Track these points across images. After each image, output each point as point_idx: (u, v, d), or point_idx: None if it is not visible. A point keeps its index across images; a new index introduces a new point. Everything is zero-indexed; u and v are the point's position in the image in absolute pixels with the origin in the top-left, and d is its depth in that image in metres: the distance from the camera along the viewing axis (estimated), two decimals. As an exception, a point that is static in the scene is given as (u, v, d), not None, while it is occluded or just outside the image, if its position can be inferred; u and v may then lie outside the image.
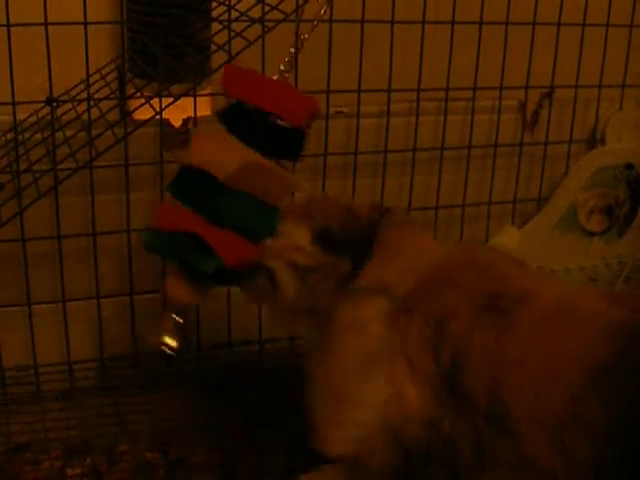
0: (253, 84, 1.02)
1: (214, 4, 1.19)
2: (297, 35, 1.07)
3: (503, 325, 0.88)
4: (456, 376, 0.88)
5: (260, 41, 1.11)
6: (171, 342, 1.01)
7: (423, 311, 0.93)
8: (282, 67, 1.06)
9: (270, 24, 1.08)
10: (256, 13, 1.09)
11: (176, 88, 1.10)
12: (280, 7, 1.07)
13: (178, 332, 1.01)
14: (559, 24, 1.44)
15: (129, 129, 1.10)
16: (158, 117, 1.11)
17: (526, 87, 1.48)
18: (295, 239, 1.00)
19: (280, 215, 1.00)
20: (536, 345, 0.87)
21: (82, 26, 1.16)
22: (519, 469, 0.85)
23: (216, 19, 1.15)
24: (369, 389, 0.94)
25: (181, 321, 1.01)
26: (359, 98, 1.34)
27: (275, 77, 1.07)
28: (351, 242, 0.99)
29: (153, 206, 1.03)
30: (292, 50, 1.07)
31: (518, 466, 0.85)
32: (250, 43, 1.06)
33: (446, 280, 0.95)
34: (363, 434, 0.94)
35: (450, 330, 0.90)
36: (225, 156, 1.00)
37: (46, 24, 1.14)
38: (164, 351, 1.01)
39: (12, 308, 1.29)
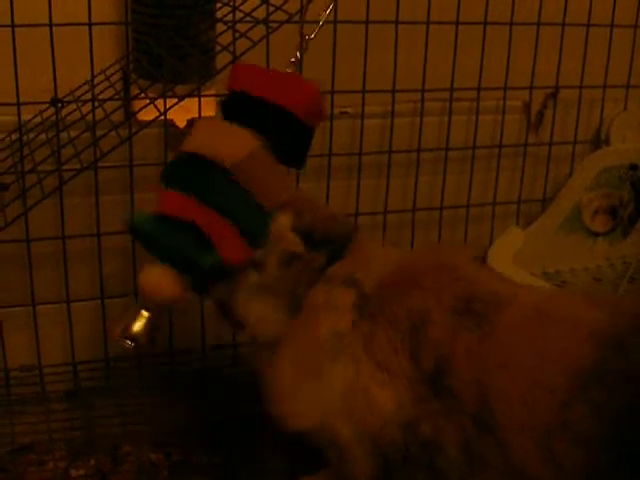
0: (257, 75, 0.99)
1: (218, 5, 1.19)
2: (302, 35, 1.07)
3: (483, 329, 0.88)
4: (441, 380, 0.88)
5: (264, 42, 1.11)
6: (138, 335, 0.94)
7: (389, 315, 0.93)
8: (287, 69, 1.06)
9: (274, 25, 1.08)
10: (261, 14, 1.09)
11: (180, 89, 1.10)
12: (284, 8, 1.07)
13: (146, 327, 0.94)
14: (563, 24, 1.44)
15: (133, 130, 1.10)
16: (162, 118, 1.11)
17: (530, 87, 1.47)
18: (287, 228, 0.99)
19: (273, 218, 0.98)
20: (520, 350, 0.87)
21: (87, 27, 1.16)
22: (508, 475, 0.85)
23: (220, 20, 1.15)
24: (335, 368, 0.94)
25: (150, 315, 0.94)
26: (363, 99, 1.33)
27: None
28: (329, 242, 0.99)
29: (157, 191, 0.95)
30: (297, 51, 1.06)
31: (507, 472, 0.85)
32: (254, 44, 1.06)
33: (411, 282, 0.95)
34: (326, 411, 0.94)
35: (428, 334, 0.90)
36: (232, 141, 0.95)
37: (51, 25, 1.14)
38: (123, 344, 0.94)
39: (17, 308, 1.29)
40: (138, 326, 0.94)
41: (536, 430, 0.83)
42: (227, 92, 1.00)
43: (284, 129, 0.97)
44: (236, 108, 0.98)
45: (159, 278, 0.92)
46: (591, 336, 0.84)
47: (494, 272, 1.03)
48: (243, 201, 0.94)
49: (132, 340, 0.94)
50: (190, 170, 0.94)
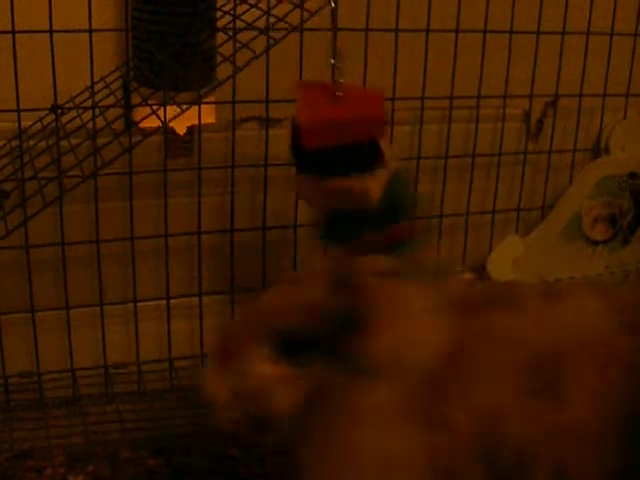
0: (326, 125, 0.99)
1: (219, 14, 1.19)
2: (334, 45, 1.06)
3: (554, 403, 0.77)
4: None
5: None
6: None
7: (462, 404, 0.77)
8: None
9: (276, 35, 1.08)
10: (262, 24, 1.09)
11: (181, 97, 1.10)
12: (286, 19, 1.07)
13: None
14: (563, 33, 1.44)
15: (134, 138, 1.10)
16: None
17: (530, 96, 1.48)
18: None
19: None
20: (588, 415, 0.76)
21: (87, 34, 1.16)
22: None
23: (221, 29, 1.15)
24: None
25: None
26: (363, 106, 1.34)
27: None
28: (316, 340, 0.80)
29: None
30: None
31: None
32: (256, 55, 1.06)
33: (474, 358, 0.79)
34: None
35: (505, 428, 0.77)
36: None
37: (51, 31, 1.14)
38: None
39: (16, 315, 1.29)
40: None
41: None
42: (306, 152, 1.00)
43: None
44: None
45: None
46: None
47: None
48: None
49: None
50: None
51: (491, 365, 0.78)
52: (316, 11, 1.04)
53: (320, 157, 0.99)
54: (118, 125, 1.11)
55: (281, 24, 1.07)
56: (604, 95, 1.53)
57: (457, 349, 0.78)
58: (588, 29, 1.46)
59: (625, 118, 1.57)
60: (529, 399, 0.76)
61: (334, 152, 0.98)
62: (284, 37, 1.07)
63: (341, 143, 0.98)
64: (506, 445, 0.76)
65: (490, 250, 1.52)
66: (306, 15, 1.06)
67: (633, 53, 1.53)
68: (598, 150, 1.59)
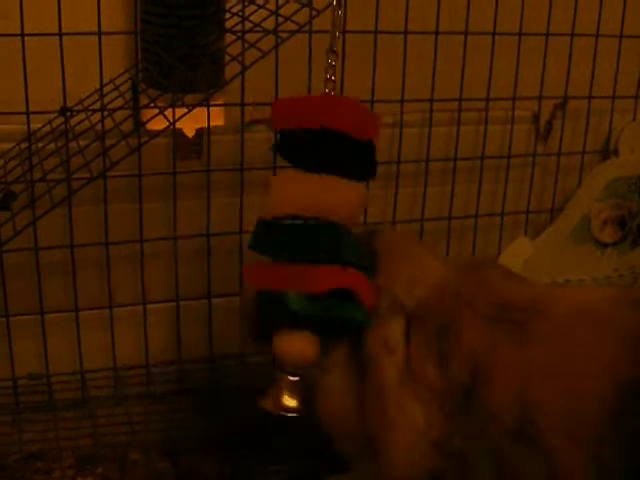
0: (296, 108, 0.96)
1: (227, 15, 1.19)
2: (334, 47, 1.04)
3: (522, 337, 0.85)
4: (476, 392, 0.86)
5: (274, 52, 1.11)
6: (291, 403, 0.94)
7: (427, 326, 0.92)
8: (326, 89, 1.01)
9: (284, 35, 1.08)
10: (270, 25, 1.10)
11: (189, 98, 1.10)
12: (294, 18, 1.08)
13: (296, 392, 0.94)
14: (572, 35, 1.44)
15: (143, 139, 1.11)
16: (171, 127, 1.11)
17: (539, 98, 1.47)
18: None
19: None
20: (561, 358, 0.83)
21: (96, 36, 1.16)
22: None
23: (230, 30, 1.15)
24: (410, 409, 0.91)
25: (297, 379, 0.94)
26: (372, 109, 1.33)
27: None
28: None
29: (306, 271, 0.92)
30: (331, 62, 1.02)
31: None
32: (264, 54, 1.06)
33: (450, 294, 0.93)
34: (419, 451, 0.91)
35: (462, 343, 0.88)
36: (335, 196, 0.94)
37: (60, 34, 1.14)
38: (285, 415, 0.94)
39: (25, 317, 1.29)
40: (288, 395, 0.94)
41: (585, 439, 0.79)
42: (277, 132, 0.99)
43: (338, 150, 0.95)
44: (291, 146, 0.97)
45: (301, 344, 0.92)
46: (631, 340, 0.80)
47: (529, 281, 0.97)
48: (358, 247, 0.95)
49: (288, 411, 0.94)
50: (313, 236, 0.93)
51: (466, 297, 0.91)
52: (323, 9, 1.04)
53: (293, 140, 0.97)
54: (127, 127, 1.12)
55: (290, 26, 1.08)
56: (613, 97, 1.52)
57: (454, 291, 0.93)
58: (597, 31, 1.46)
59: (634, 120, 1.57)
60: (491, 326, 0.88)
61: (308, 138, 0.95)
62: (291, 35, 1.07)
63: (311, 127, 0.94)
64: (460, 357, 0.88)
65: (499, 252, 1.52)
66: (314, 14, 1.06)
67: (643, 55, 1.53)
68: (607, 152, 1.58)
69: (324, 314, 0.91)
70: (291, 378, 0.94)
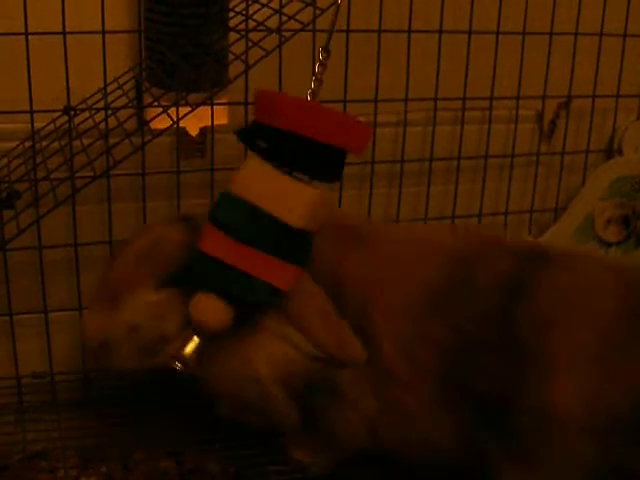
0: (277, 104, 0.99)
1: (231, 14, 1.19)
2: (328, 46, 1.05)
3: (366, 251, 1.06)
4: (338, 302, 1.02)
5: (277, 51, 1.11)
6: (188, 358, 1.00)
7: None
8: (313, 86, 1.04)
9: (287, 34, 1.08)
10: (274, 23, 1.10)
11: (193, 97, 1.10)
12: (297, 17, 1.08)
13: (196, 352, 1.00)
14: (576, 33, 1.44)
15: (146, 138, 1.11)
16: (175, 126, 1.11)
17: (543, 97, 1.47)
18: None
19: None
20: (392, 269, 1.05)
21: (100, 35, 1.16)
22: (379, 373, 1.02)
23: (233, 29, 1.15)
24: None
25: (200, 341, 1.00)
26: (376, 107, 1.33)
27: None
28: None
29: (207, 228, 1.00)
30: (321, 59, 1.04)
31: (377, 370, 1.02)
32: (267, 53, 1.06)
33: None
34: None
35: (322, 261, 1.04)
36: (293, 199, 0.98)
37: (64, 33, 1.14)
38: (174, 365, 1.00)
39: (28, 315, 1.29)
40: (189, 350, 1.00)
41: (401, 337, 1.01)
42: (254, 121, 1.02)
43: (301, 152, 0.98)
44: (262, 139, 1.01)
45: (211, 309, 0.98)
46: (445, 258, 1.04)
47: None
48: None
49: (182, 362, 1.00)
50: (252, 223, 0.98)
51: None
52: (327, 8, 1.04)
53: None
54: (130, 125, 1.12)
55: (294, 24, 1.08)
56: (617, 96, 1.52)
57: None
58: (601, 30, 1.45)
59: (638, 119, 1.57)
60: (339, 243, 1.08)
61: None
62: (295, 34, 1.07)
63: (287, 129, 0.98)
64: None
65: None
66: (317, 13, 1.06)
67: (646, 54, 1.53)
68: (611, 151, 1.58)
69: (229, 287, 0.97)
70: (195, 337, 1.00)
